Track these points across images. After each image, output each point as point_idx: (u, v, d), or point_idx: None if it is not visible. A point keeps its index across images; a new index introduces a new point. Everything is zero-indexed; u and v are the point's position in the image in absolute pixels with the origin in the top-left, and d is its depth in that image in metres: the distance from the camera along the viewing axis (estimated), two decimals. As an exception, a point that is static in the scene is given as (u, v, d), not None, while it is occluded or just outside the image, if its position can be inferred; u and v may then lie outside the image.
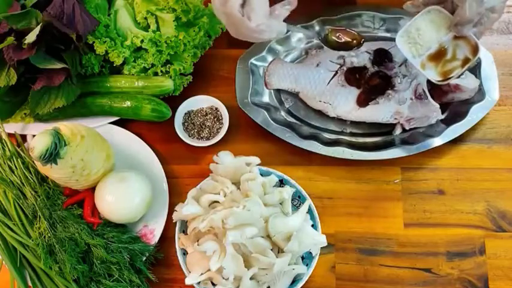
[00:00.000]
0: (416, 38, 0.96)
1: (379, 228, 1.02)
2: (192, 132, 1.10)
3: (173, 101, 1.10)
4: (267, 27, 0.89)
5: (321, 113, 1.10)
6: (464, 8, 0.89)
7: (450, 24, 0.93)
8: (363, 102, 1.06)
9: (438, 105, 1.04)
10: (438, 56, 0.96)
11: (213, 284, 0.94)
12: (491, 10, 0.91)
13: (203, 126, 1.10)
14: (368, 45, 1.10)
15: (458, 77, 0.96)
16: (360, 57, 1.09)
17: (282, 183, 1.01)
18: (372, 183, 1.05)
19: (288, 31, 0.92)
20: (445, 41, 0.95)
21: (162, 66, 1.09)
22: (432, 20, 0.95)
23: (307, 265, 0.95)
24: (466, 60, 0.94)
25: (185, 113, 1.11)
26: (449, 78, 0.95)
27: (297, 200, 1.01)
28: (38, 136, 0.91)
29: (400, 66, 1.06)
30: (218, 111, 1.10)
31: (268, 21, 0.89)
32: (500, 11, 0.92)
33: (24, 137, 1.10)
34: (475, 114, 1.04)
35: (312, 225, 0.98)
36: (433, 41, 0.96)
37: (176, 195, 1.05)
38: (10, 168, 1.02)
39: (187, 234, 0.98)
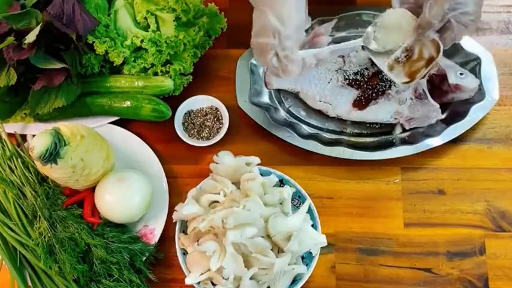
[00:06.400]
0: (382, 42, 0.96)
1: (379, 228, 1.02)
2: (192, 132, 1.10)
3: (173, 101, 1.10)
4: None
5: (321, 113, 1.10)
6: (424, 11, 0.89)
7: (415, 25, 0.92)
8: (362, 103, 1.06)
9: (438, 105, 1.04)
10: (405, 57, 0.95)
11: (213, 284, 0.94)
12: (461, 22, 0.89)
13: (203, 126, 1.10)
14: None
15: (423, 77, 0.95)
16: (360, 58, 1.09)
17: (282, 183, 1.01)
18: (371, 183, 1.05)
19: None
20: (410, 42, 0.94)
21: (162, 66, 1.09)
22: (394, 22, 0.95)
23: (307, 265, 0.95)
24: (430, 59, 0.93)
25: (185, 113, 1.11)
26: (414, 79, 0.94)
27: (297, 200, 1.00)
28: (38, 136, 0.91)
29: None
30: (218, 111, 1.10)
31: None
32: (471, 28, 0.90)
33: (24, 137, 1.10)
34: (475, 114, 1.04)
35: (312, 225, 0.98)
36: (399, 43, 0.95)
37: (176, 195, 1.05)
38: (10, 168, 1.02)
39: (187, 234, 0.98)
